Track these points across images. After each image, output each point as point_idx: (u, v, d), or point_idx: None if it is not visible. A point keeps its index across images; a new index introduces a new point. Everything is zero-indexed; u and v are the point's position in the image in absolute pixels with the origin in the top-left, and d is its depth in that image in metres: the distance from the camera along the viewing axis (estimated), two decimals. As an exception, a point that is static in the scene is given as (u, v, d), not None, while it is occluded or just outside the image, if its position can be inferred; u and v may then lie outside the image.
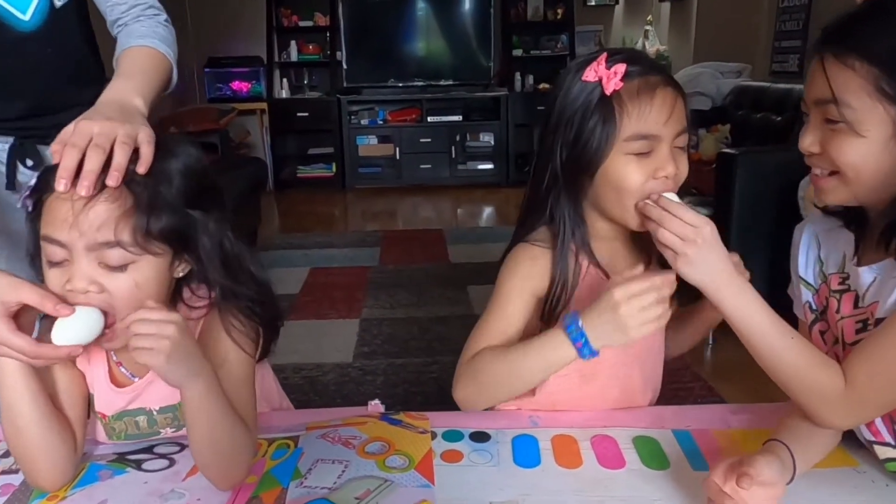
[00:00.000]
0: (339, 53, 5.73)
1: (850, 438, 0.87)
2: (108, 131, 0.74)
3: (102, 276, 0.73)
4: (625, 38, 6.04)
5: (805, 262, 0.89)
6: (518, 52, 5.94)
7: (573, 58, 4.47)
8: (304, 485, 0.82)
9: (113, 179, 0.71)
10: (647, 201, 0.82)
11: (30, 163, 1.14)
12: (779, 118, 3.30)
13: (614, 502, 0.79)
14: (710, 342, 2.52)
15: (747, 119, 3.54)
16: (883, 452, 0.81)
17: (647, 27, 5.86)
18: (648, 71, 0.85)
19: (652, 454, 0.88)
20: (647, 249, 0.95)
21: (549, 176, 0.89)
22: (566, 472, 0.85)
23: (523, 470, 0.85)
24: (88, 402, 0.86)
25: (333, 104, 5.73)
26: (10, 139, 1.13)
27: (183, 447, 0.89)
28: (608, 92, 0.83)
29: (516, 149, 5.76)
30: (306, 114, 5.76)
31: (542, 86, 5.85)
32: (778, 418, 0.86)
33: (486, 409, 0.96)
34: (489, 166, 5.82)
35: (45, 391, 0.79)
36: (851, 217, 0.84)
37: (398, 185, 5.79)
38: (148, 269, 0.75)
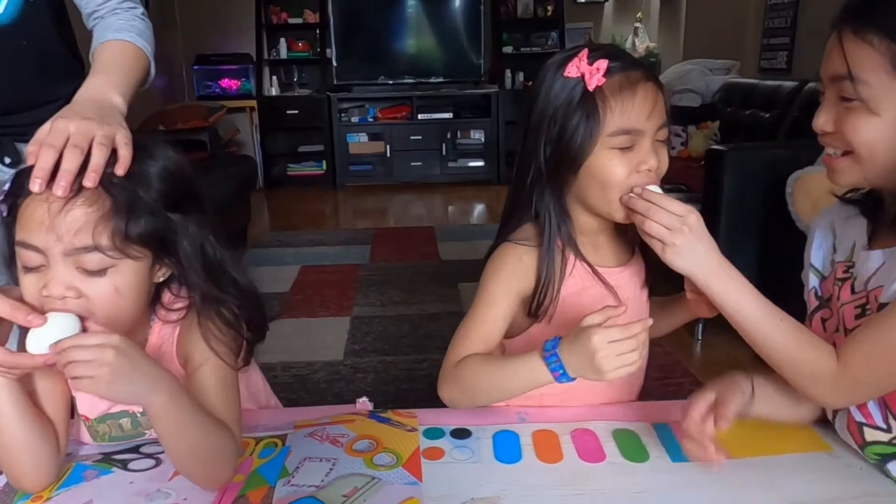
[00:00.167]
0: (328, 51, 5.71)
1: (824, 423, 0.89)
2: (86, 131, 0.73)
3: (80, 280, 0.71)
4: (614, 35, 6.06)
5: (818, 248, 0.90)
6: (508, 50, 5.95)
7: (563, 55, 4.46)
8: (292, 483, 0.82)
9: (90, 180, 0.70)
10: (632, 194, 0.83)
11: (8, 160, 1.12)
12: (767, 115, 3.31)
13: (595, 496, 0.80)
14: (700, 338, 2.53)
15: (736, 116, 3.56)
16: (871, 435, 0.81)
17: (637, 24, 5.88)
18: (629, 66, 0.86)
19: (631, 447, 0.89)
20: (631, 242, 0.96)
21: (533, 172, 0.89)
22: (547, 466, 0.85)
23: (504, 465, 0.85)
24: (71, 402, 0.85)
25: (323, 102, 5.72)
26: None
27: (169, 447, 0.88)
28: (591, 88, 0.84)
29: (507, 146, 5.76)
30: (296, 111, 5.74)
31: (532, 83, 5.85)
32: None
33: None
34: (480, 164, 5.82)
35: (26, 391, 0.78)
36: (868, 203, 0.84)
37: (389, 182, 5.78)
38: (128, 274, 0.74)
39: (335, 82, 5.73)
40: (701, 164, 2.64)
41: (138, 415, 0.88)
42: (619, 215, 0.87)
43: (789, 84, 3.26)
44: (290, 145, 5.90)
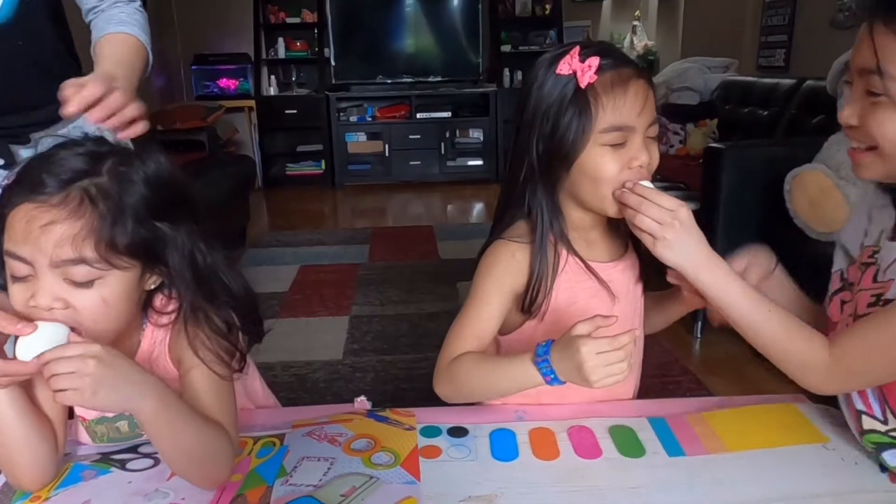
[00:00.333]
0: (326, 50, 5.71)
1: (823, 416, 0.90)
2: (130, 88, 0.75)
3: (68, 291, 0.71)
4: (612, 33, 6.06)
5: (853, 231, 0.89)
6: (506, 48, 5.94)
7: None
8: (290, 483, 0.82)
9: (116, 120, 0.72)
10: (624, 189, 0.84)
11: (1, 162, 1.11)
12: (765, 112, 3.31)
13: (591, 492, 0.80)
14: (699, 336, 2.53)
15: (734, 114, 3.55)
16: (869, 424, 0.82)
17: (635, 23, 5.87)
18: (620, 63, 0.86)
19: (628, 443, 0.89)
20: (624, 237, 0.97)
21: (526, 169, 0.90)
22: (544, 464, 0.85)
23: (501, 463, 0.86)
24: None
25: (322, 101, 5.71)
26: None
27: (168, 446, 0.88)
28: (583, 85, 0.84)
29: (506, 145, 5.74)
30: (295, 111, 5.73)
31: (524, 80, 5.84)
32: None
33: (473, 404, 0.97)
34: (478, 162, 5.82)
35: (23, 389, 0.78)
36: None
37: (388, 181, 5.78)
38: (116, 284, 0.73)
39: (333, 82, 5.72)
40: (699, 162, 2.64)
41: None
42: (611, 210, 0.87)
43: (787, 82, 3.26)
44: (289, 145, 5.90)
